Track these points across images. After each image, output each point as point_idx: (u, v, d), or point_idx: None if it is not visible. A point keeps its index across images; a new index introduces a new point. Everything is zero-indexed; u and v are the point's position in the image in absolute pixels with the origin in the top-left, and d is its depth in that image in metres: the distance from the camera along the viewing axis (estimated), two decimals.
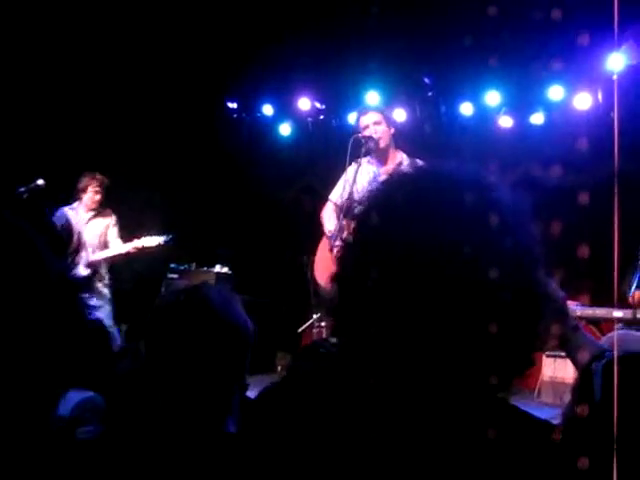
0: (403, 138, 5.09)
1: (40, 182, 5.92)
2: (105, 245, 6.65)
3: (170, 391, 1.57)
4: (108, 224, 6.71)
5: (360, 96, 8.46)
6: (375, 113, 5.00)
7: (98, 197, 6.62)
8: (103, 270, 6.65)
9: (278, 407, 0.93)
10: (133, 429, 1.54)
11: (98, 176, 6.63)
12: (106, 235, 6.68)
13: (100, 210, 6.68)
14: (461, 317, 0.78)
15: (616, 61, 6.97)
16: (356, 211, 0.89)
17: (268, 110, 9.23)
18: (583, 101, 7.51)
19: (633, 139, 6.61)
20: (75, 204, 6.66)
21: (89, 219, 6.63)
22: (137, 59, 7.89)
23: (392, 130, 5.00)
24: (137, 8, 7.43)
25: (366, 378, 0.82)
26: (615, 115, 6.72)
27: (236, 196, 8.89)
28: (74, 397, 2.30)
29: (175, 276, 7.95)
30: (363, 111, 5.13)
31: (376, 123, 4.93)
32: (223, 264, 8.08)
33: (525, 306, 0.81)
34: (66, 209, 6.62)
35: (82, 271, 6.47)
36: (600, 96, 7.38)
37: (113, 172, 7.99)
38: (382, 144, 4.92)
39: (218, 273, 7.89)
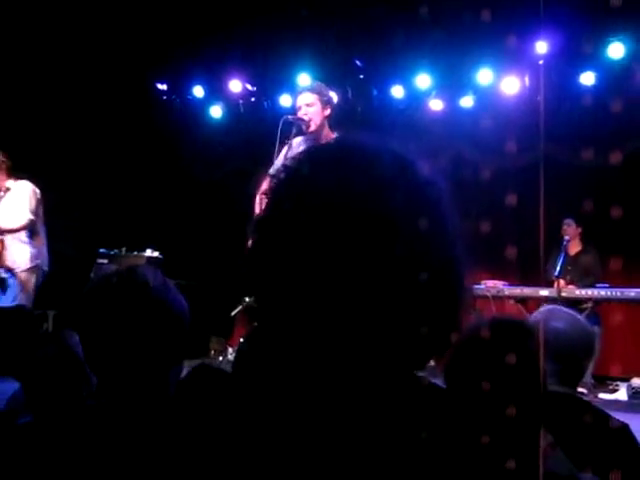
0: (335, 121, 4.95)
1: None
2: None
3: (106, 375, 1.54)
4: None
5: (292, 78, 8.43)
6: (309, 94, 4.78)
7: None
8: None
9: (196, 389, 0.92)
10: (58, 416, 1.50)
11: None
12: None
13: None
14: (375, 290, 0.77)
15: (542, 46, 7.12)
16: (273, 180, 0.87)
17: (199, 92, 9.12)
18: (511, 85, 7.66)
19: (558, 123, 6.81)
20: None
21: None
22: (64, 41, 7.66)
23: (327, 111, 4.76)
24: None
25: (277, 351, 0.81)
26: (541, 100, 6.88)
27: (166, 178, 8.77)
28: (9, 388, 2.24)
29: (105, 261, 7.80)
30: (299, 91, 4.92)
31: (308, 105, 4.73)
32: (153, 248, 7.97)
33: (444, 282, 0.80)
34: None
35: None
36: (527, 80, 7.54)
37: (41, 157, 7.79)
38: (312, 127, 4.72)
39: (149, 257, 7.78)
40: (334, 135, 4.80)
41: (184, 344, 1.64)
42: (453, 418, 0.84)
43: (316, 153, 0.87)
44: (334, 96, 4.97)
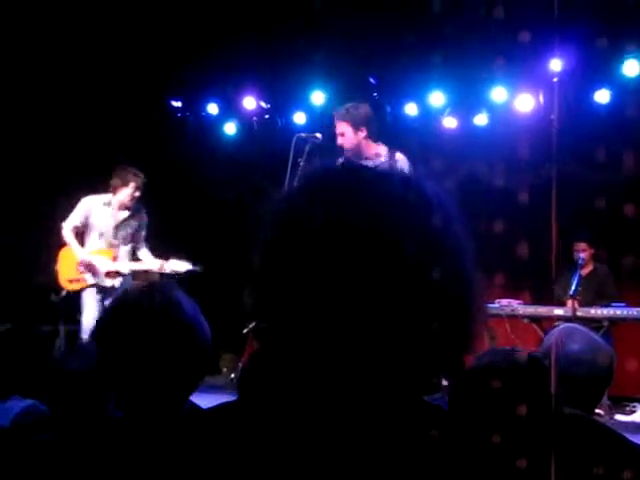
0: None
1: None
2: (133, 250, 6.39)
3: (124, 392, 1.52)
4: (139, 225, 6.42)
5: (306, 96, 8.46)
6: (340, 123, 4.88)
7: (138, 194, 6.28)
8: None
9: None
10: (83, 430, 1.49)
11: (140, 174, 6.34)
12: (136, 238, 6.43)
13: (134, 210, 6.38)
14: (385, 312, 0.76)
15: (557, 64, 7.11)
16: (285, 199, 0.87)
17: (213, 109, 9.15)
18: (525, 103, 7.63)
19: (573, 141, 6.77)
20: (108, 198, 6.28)
21: (124, 219, 6.32)
22: (79, 57, 7.73)
23: (362, 133, 4.85)
24: (79, 6, 7.29)
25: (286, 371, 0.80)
26: (555, 118, 6.86)
27: (180, 196, 8.78)
28: (15, 406, 2.23)
29: None
30: (334, 119, 5.01)
31: (341, 134, 4.84)
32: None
33: (455, 304, 0.80)
34: (97, 201, 6.27)
35: (107, 282, 6.19)
36: (541, 98, 7.51)
37: (54, 173, 7.84)
38: (349, 151, 4.82)
39: (162, 273, 7.77)
40: (379, 146, 4.93)
41: (206, 366, 1.62)
42: (458, 444, 0.82)
43: (324, 175, 0.86)
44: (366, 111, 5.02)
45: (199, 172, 8.69)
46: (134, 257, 6.42)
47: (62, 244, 6.28)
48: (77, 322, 6.68)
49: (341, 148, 4.86)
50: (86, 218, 6.20)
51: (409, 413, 0.81)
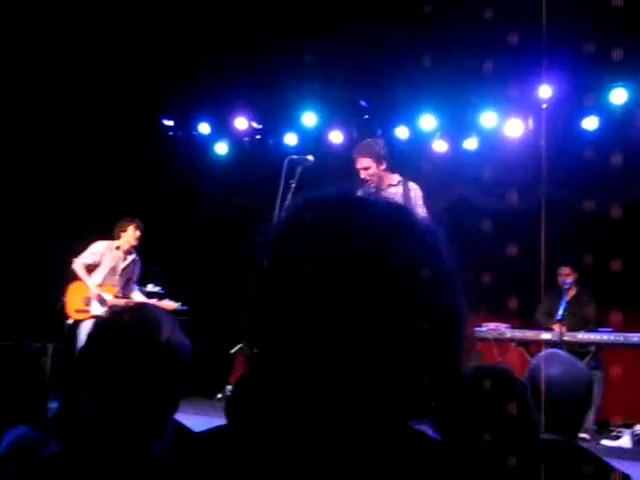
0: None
1: None
2: (128, 285, 7.12)
3: (105, 412, 1.53)
4: (137, 268, 7.19)
5: (297, 117, 8.50)
6: (363, 159, 5.14)
7: (139, 233, 6.99)
8: None
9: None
10: (75, 452, 1.50)
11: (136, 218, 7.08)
12: (132, 275, 7.17)
13: (133, 251, 7.09)
14: (375, 339, 0.77)
15: (546, 91, 7.19)
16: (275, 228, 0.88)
17: (204, 128, 9.18)
18: (514, 128, 7.70)
19: (560, 167, 6.83)
20: (117, 243, 7.00)
21: (129, 263, 7.05)
22: (72, 76, 7.75)
23: (383, 165, 5.15)
24: (73, 25, 7.32)
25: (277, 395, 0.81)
26: (543, 143, 6.92)
27: (170, 214, 8.78)
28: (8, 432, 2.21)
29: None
30: (354, 156, 5.25)
31: (365, 169, 5.10)
32: (155, 283, 7.96)
33: (443, 330, 0.81)
34: (109, 245, 6.97)
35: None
36: (531, 124, 7.58)
37: (47, 191, 7.83)
38: (373, 184, 5.09)
39: (150, 292, 7.76)
40: (394, 176, 5.26)
41: (185, 385, 1.63)
42: (443, 471, 0.83)
43: (316, 204, 0.88)
44: (383, 146, 5.33)
45: (190, 191, 8.70)
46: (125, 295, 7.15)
47: (72, 278, 6.93)
48: (64, 339, 6.75)
49: (361, 180, 5.10)
50: (100, 258, 6.93)
51: (393, 439, 0.81)
